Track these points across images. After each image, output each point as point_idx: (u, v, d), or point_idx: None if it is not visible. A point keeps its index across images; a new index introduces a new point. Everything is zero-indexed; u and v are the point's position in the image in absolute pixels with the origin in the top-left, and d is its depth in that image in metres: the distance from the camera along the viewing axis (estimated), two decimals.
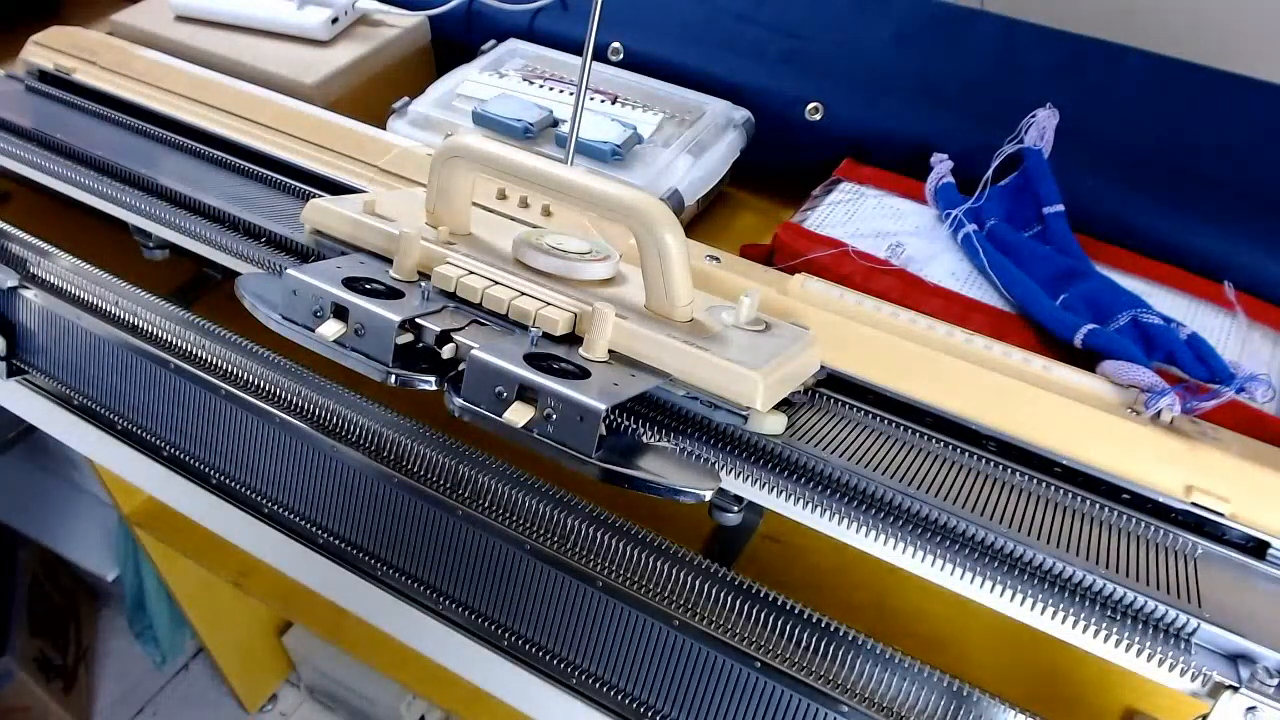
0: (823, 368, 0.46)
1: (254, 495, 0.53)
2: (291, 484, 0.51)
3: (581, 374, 0.39)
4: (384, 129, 0.69)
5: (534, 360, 0.39)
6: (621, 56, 0.78)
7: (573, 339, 0.42)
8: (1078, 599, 0.38)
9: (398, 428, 0.48)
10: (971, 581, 0.39)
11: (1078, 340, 0.51)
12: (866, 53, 0.74)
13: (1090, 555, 0.39)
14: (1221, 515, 0.41)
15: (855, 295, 0.51)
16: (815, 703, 0.40)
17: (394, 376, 0.41)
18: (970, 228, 0.60)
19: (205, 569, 1.09)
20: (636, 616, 0.43)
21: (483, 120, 0.69)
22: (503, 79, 0.74)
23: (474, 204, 0.50)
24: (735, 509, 0.48)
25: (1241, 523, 0.41)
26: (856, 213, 0.64)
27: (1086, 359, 0.50)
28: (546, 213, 0.56)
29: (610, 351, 0.42)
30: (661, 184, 0.65)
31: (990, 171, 0.62)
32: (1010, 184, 0.63)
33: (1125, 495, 0.43)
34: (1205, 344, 0.50)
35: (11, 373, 0.60)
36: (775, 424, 0.42)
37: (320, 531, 0.51)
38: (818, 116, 0.71)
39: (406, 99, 0.72)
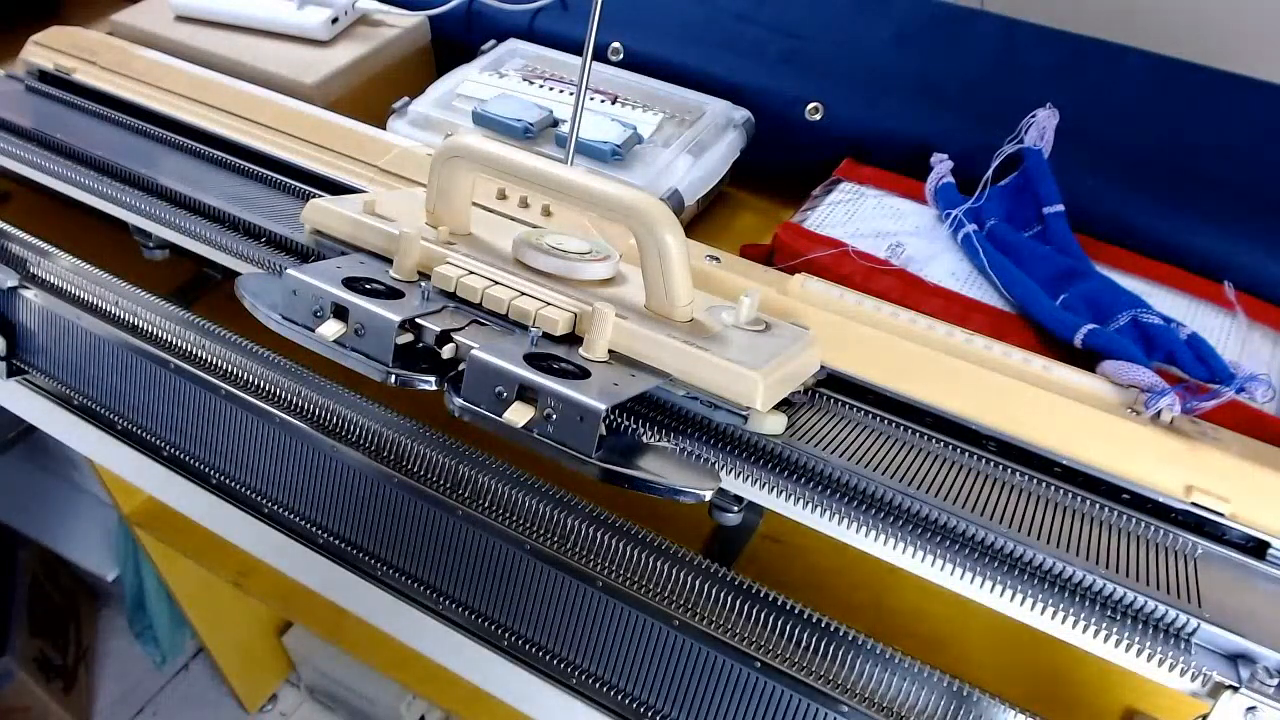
0: (823, 368, 0.46)
1: (254, 495, 0.53)
2: (291, 484, 0.51)
3: (581, 374, 0.39)
4: (384, 129, 0.69)
5: (534, 360, 0.39)
6: (621, 56, 0.78)
7: (573, 339, 0.42)
8: (1078, 599, 0.38)
9: (398, 428, 0.48)
10: (971, 581, 0.39)
11: (1078, 340, 0.51)
12: (866, 53, 0.74)
13: (1090, 555, 0.39)
14: (1221, 515, 0.41)
15: (855, 295, 0.51)
16: (815, 703, 0.40)
17: (394, 376, 0.41)
18: (970, 228, 0.60)
19: (205, 569, 1.09)
20: (636, 616, 0.43)
21: (483, 120, 0.69)
22: (503, 79, 0.74)
23: (474, 204, 0.50)
24: (735, 509, 0.48)
25: (1241, 523, 0.41)
26: (856, 213, 0.64)
27: (1086, 359, 0.50)
28: (546, 213, 0.56)
29: (610, 351, 0.42)
30: (661, 184, 0.65)
31: (990, 171, 0.62)
32: (1010, 184, 0.63)
33: (1125, 495, 0.43)
34: (1205, 344, 0.50)
35: (11, 373, 0.60)
36: (775, 424, 0.42)
37: (320, 531, 0.51)
38: (818, 116, 0.71)
39: (406, 99, 0.72)
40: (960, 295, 0.57)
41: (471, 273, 0.44)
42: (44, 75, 0.73)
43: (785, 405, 0.44)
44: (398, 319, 0.41)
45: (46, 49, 0.73)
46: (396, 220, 0.48)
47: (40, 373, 0.60)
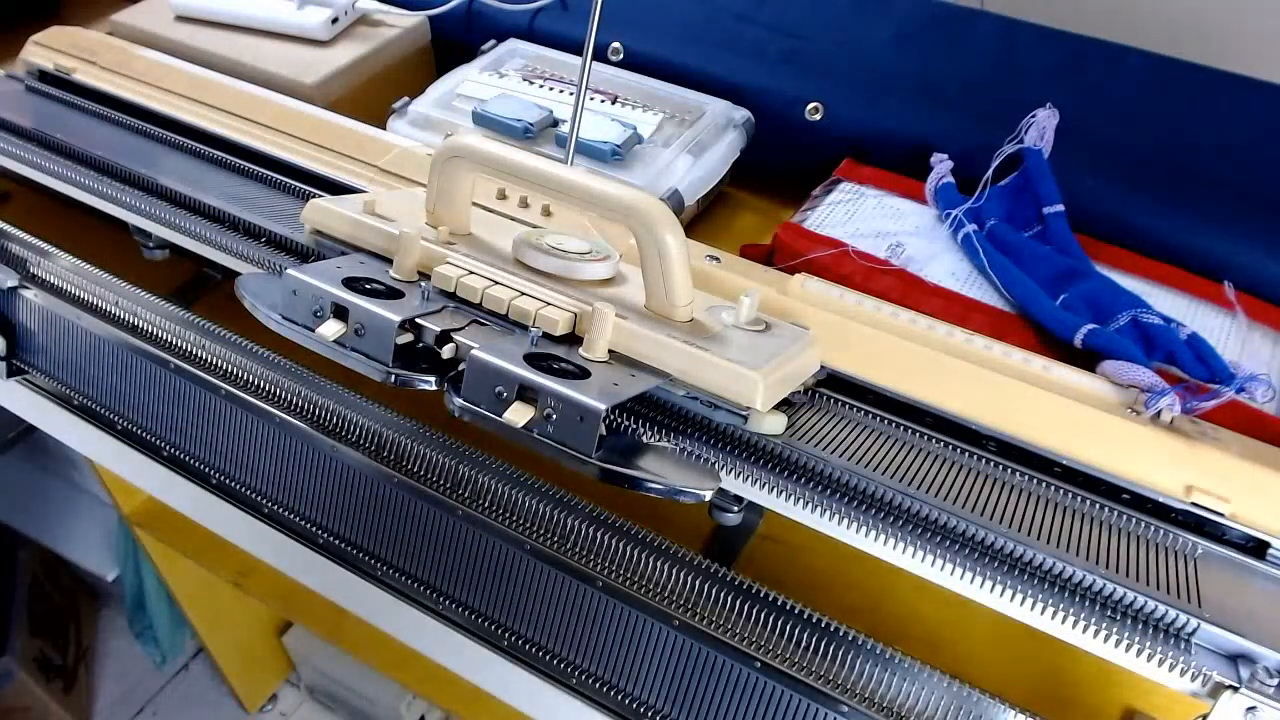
0: (823, 368, 0.46)
1: (254, 495, 0.53)
2: (291, 484, 0.51)
3: (581, 374, 0.39)
4: (384, 129, 0.69)
5: (534, 360, 0.39)
6: (621, 56, 0.78)
7: (573, 339, 0.42)
8: (1078, 599, 0.38)
9: (398, 428, 0.48)
10: (971, 581, 0.39)
11: (1078, 340, 0.51)
12: (866, 53, 0.74)
13: (1090, 555, 0.39)
14: (1221, 515, 0.41)
15: (855, 295, 0.51)
16: (815, 703, 0.40)
17: (394, 376, 0.41)
18: (970, 228, 0.60)
19: (205, 569, 1.09)
20: (636, 616, 0.43)
21: (483, 120, 0.69)
22: (503, 79, 0.74)
23: (474, 204, 0.50)
24: (735, 509, 0.48)
25: (1241, 523, 0.41)
26: (856, 213, 0.64)
27: (1086, 359, 0.50)
28: (546, 213, 0.56)
29: (610, 351, 0.42)
30: (661, 184, 0.65)
31: (990, 171, 0.62)
32: (1010, 184, 0.63)
33: (1125, 495, 0.43)
34: (1205, 344, 0.50)
35: (11, 373, 0.60)
36: (775, 424, 0.42)
37: (320, 531, 0.51)
38: (818, 116, 0.71)
39: (406, 99, 0.72)
40: (960, 295, 0.57)
41: (471, 273, 0.44)
42: (44, 75, 0.73)
43: (785, 405, 0.44)
44: (398, 319, 0.41)
45: (46, 49, 0.73)
46: (396, 220, 0.48)
47: (40, 373, 0.60)
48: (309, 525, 0.51)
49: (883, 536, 0.40)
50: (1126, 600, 0.37)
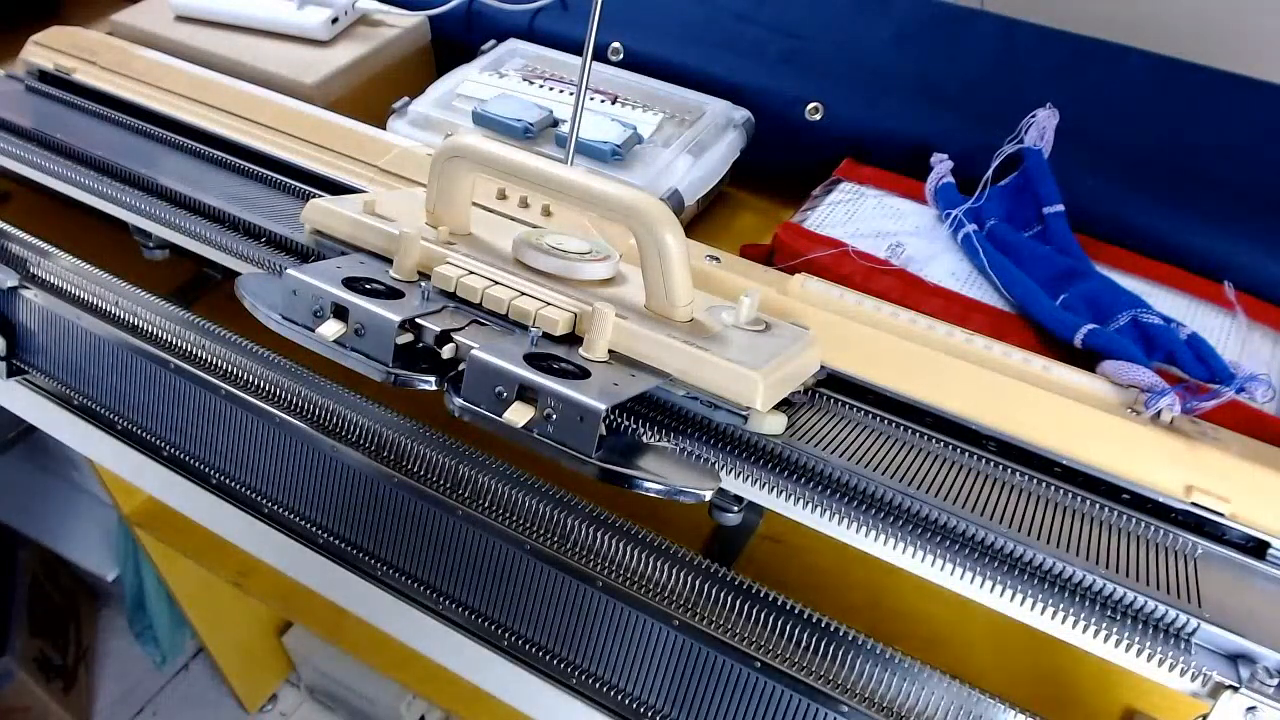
0: (823, 368, 0.46)
1: (254, 495, 0.53)
2: (291, 484, 0.51)
3: (581, 374, 0.39)
4: (384, 129, 0.69)
5: (534, 360, 0.39)
6: (621, 56, 0.78)
7: (573, 339, 0.42)
8: (1078, 599, 0.38)
9: (398, 428, 0.48)
10: (971, 581, 0.39)
11: (1078, 340, 0.51)
12: (866, 53, 0.74)
13: (1090, 555, 0.39)
14: (1221, 515, 0.41)
15: (855, 295, 0.51)
16: (815, 703, 0.40)
17: (394, 376, 0.41)
18: (970, 228, 0.60)
19: (205, 569, 1.09)
20: (636, 616, 0.43)
21: (483, 120, 0.69)
22: (503, 79, 0.74)
23: (474, 204, 0.50)
24: (735, 509, 0.48)
25: (1241, 523, 0.41)
26: (856, 213, 0.64)
27: (1086, 359, 0.50)
28: (546, 213, 0.56)
29: (610, 351, 0.42)
30: (661, 184, 0.65)
31: (990, 171, 0.62)
32: (1010, 184, 0.63)
33: (1125, 495, 0.43)
34: (1205, 344, 0.50)
35: (11, 373, 0.60)
36: (775, 424, 0.42)
37: (320, 531, 0.51)
38: (818, 116, 0.71)
39: (406, 99, 0.72)
40: (960, 295, 0.57)
41: (471, 273, 0.44)
42: (44, 75, 0.73)
43: (785, 405, 0.44)
44: (398, 319, 0.41)
45: (46, 49, 0.73)
46: (396, 220, 0.48)
47: (40, 373, 0.60)
48: (309, 525, 0.51)
49: (883, 536, 0.40)
50: (1126, 600, 0.37)
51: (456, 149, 0.46)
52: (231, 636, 1.35)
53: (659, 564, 0.43)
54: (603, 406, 0.37)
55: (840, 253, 0.58)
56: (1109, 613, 0.38)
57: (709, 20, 0.78)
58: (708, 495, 0.39)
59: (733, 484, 0.43)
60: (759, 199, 0.77)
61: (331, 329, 0.42)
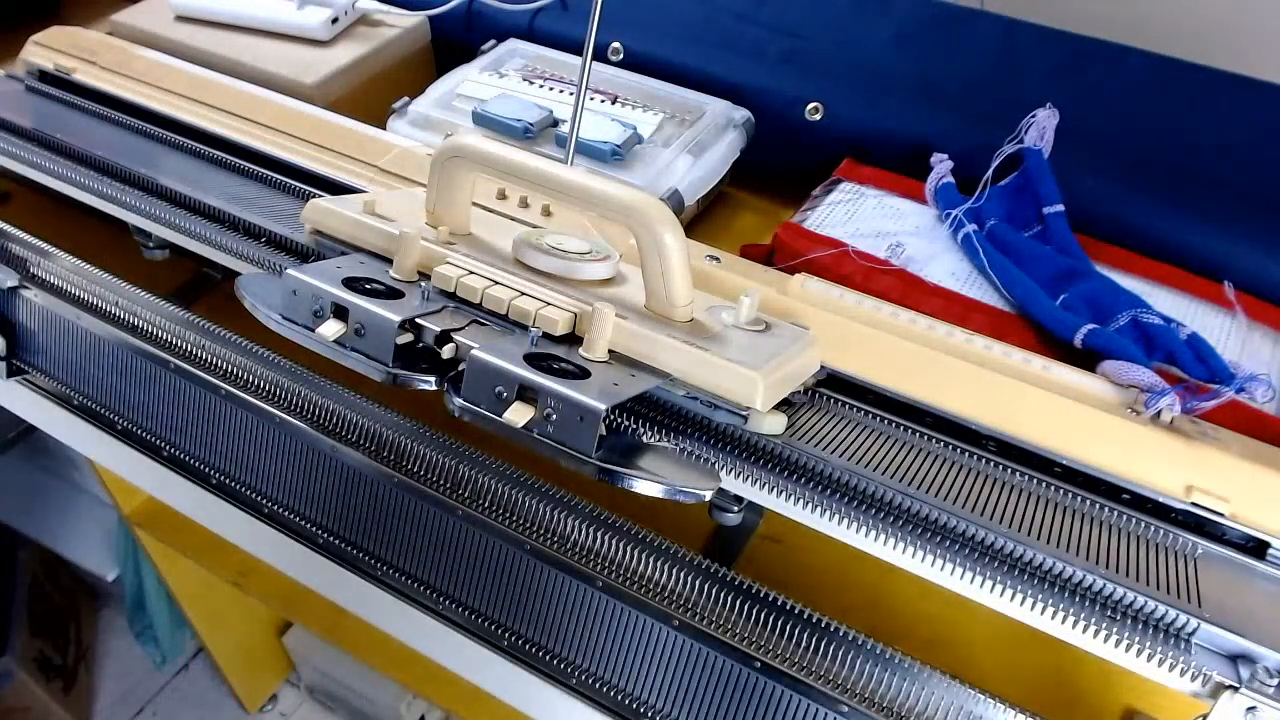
0: (823, 368, 0.46)
1: (254, 495, 0.53)
2: (292, 484, 0.51)
3: (581, 374, 0.39)
4: (384, 129, 0.69)
5: (534, 360, 0.39)
6: (621, 56, 0.78)
7: (573, 339, 0.42)
8: (1078, 599, 0.38)
9: (398, 428, 0.48)
10: (971, 581, 0.39)
11: (1078, 340, 0.51)
12: (866, 53, 0.74)
13: (1090, 555, 0.39)
14: (1221, 515, 0.41)
15: (855, 295, 0.51)
16: (815, 703, 0.40)
17: (394, 376, 0.41)
18: (970, 228, 0.60)
19: (205, 569, 1.09)
20: (636, 616, 0.43)
21: (483, 120, 0.69)
22: (503, 79, 0.74)
23: (474, 204, 0.50)
24: (735, 509, 0.48)
25: (1241, 523, 0.41)
26: (856, 213, 0.64)
27: (1086, 359, 0.50)
28: (546, 213, 0.56)
29: (610, 351, 0.42)
30: (661, 184, 0.65)
31: (990, 171, 0.62)
32: (1010, 184, 0.63)
33: (1125, 495, 0.43)
34: (1205, 344, 0.50)
35: (11, 373, 0.60)
36: (775, 424, 0.42)
37: (320, 531, 0.51)
38: (818, 116, 0.71)
39: (406, 99, 0.72)
40: (960, 295, 0.57)
41: (471, 273, 0.44)
42: (44, 75, 0.73)
43: (785, 405, 0.44)
44: (398, 319, 0.41)
45: (46, 49, 0.73)
46: (396, 220, 0.48)
47: (40, 373, 0.60)
48: (309, 525, 0.51)
49: (883, 536, 0.40)
50: (1126, 600, 0.37)
51: (456, 149, 0.46)
52: (231, 636, 1.35)
53: (659, 564, 0.43)
54: (603, 406, 0.37)
55: (840, 253, 0.58)
56: (1109, 613, 0.38)
57: (709, 20, 0.78)
58: (708, 495, 0.39)
59: (733, 484, 0.43)
60: (759, 199, 0.77)
61: (331, 329, 0.42)
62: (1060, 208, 0.61)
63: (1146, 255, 0.61)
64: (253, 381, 0.52)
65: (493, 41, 0.80)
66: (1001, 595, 0.38)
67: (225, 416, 0.52)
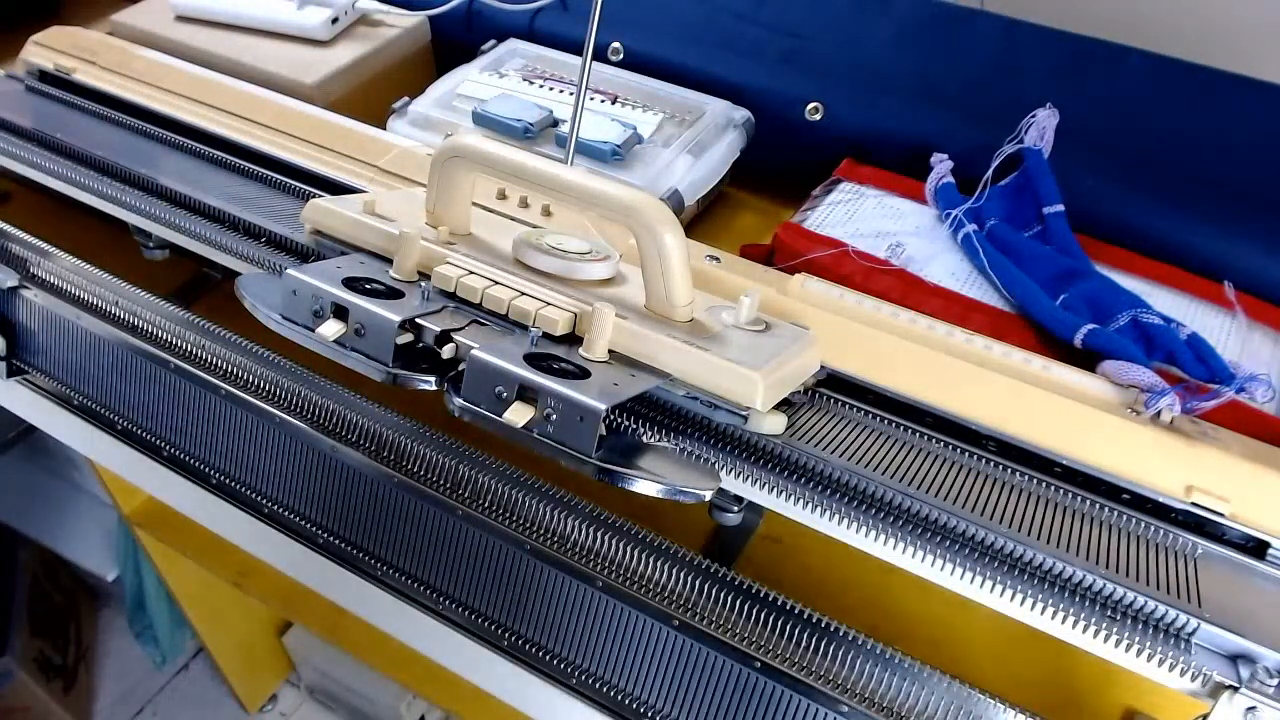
0: (823, 368, 0.46)
1: (254, 495, 0.53)
2: (292, 484, 0.51)
3: (581, 374, 0.39)
4: (384, 129, 0.69)
5: (534, 360, 0.39)
6: (621, 56, 0.78)
7: (573, 339, 0.42)
8: (1078, 599, 0.38)
9: (398, 428, 0.48)
10: (971, 581, 0.39)
11: (1078, 340, 0.51)
12: (866, 53, 0.74)
13: (1090, 555, 0.39)
14: (1221, 515, 0.41)
15: (855, 295, 0.51)
16: (815, 703, 0.40)
17: (394, 376, 0.41)
18: (970, 228, 0.60)
19: (205, 569, 1.09)
20: (636, 616, 0.43)
21: (483, 120, 0.69)
22: (503, 79, 0.74)
23: (474, 204, 0.50)
24: (735, 509, 0.48)
25: (1241, 523, 0.41)
26: (856, 213, 0.64)
27: (1086, 359, 0.50)
28: (546, 213, 0.56)
29: (610, 351, 0.42)
30: (661, 184, 0.65)
31: (990, 171, 0.62)
32: (1010, 184, 0.63)
33: (1125, 495, 0.43)
34: (1205, 344, 0.50)
35: (11, 373, 0.60)
36: (775, 424, 0.42)
37: (320, 531, 0.51)
38: (818, 116, 0.71)
39: (406, 99, 0.72)
40: (960, 295, 0.57)
41: (471, 273, 0.44)
42: (44, 75, 0.73)
43: (785, 405, 0.44)
44: (398, 319, 0.41)
45: (46, 49, 0.73)
46: (396, 220, 0.48)
47: (40, 373, 0.60)
48: (309, 525, 0.51)
49: (883, 536, 0.40)
50: (1126, 600, 0.37)
51: (456, 149, 0.46)
52: (231, 636, 1.35)
53: (659, 564, 0.43)
54: (603, 406, 0.37)
55: (840, 253, 0.58)
56: (1109, 613, 0.38)
57: (709, 20, 0.78)
58: (708, 495, 0.39)
59: (733, 484, 0.43)
60: (759, 199, 0.77)
61: (331, 329, 0.42)
62: (1060, 208, 0.61)
63: (1146, 255, 0.61)
64: (253, 381, 0.52)
65: (493, 41, 0.80)
66: (1001, 595, 0.38)
67: (225, 416, 0.52)
